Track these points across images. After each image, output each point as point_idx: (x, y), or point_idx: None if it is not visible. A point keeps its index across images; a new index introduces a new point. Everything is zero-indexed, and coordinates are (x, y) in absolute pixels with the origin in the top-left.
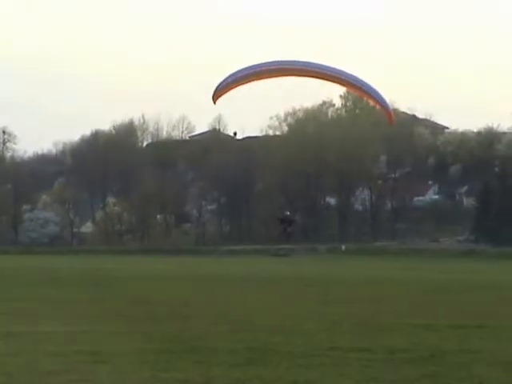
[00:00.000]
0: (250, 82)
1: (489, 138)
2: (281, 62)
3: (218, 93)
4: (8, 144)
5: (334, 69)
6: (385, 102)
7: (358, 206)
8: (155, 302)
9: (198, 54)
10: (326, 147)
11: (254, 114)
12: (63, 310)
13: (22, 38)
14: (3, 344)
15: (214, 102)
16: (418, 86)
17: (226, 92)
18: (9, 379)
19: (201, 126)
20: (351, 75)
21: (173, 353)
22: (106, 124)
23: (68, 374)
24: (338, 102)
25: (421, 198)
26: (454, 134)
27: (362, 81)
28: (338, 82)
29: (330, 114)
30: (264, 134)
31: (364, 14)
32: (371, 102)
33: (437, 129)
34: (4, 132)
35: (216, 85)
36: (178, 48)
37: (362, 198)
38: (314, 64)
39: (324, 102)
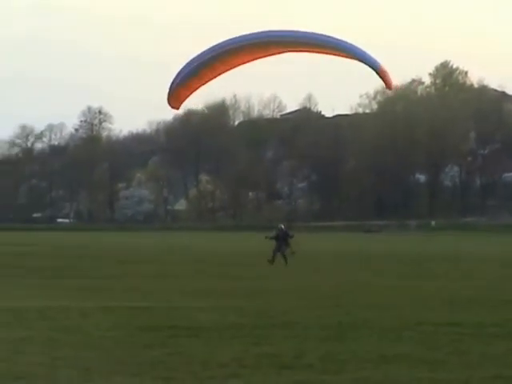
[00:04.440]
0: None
1: None
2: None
3: (175, 95)
4: (104, 124)
5: (313, 35)
6: (378, 64)
7: (448, 183)
8: (246, 277)
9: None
10: (415, 125)
11: (345, 92)
12: (155, 286)
13: (118, 15)
14: (100, 318)
15: (177, 107)
16: (509, 63)
17: (189, 93)
18: (105, 353)
19: (291, 105)
20: (335, 40)
21: (263, 328)
22: (198, 104)
23: (162, 347)
24: (427, 80)
25: (510, 174)
26: None
27: (346, 44)
28: (321, 52)
29: (419, 92)
30: (354, 112)
31: None
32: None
33: None
34: (100, 112)
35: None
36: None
37: (451, 174)
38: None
39: (413, 80)
